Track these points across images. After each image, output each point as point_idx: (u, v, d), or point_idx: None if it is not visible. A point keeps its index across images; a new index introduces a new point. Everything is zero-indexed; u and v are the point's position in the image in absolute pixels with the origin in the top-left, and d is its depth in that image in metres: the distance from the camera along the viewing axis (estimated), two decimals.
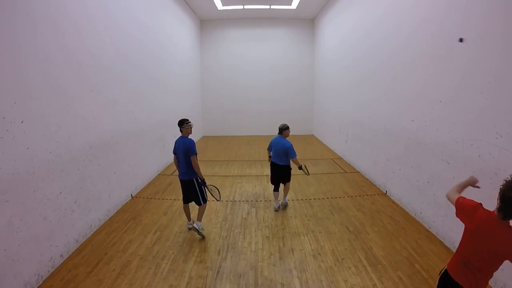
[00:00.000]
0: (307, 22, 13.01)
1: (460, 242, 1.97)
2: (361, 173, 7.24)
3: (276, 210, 5.07)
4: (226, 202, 5.50)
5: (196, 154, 4.07)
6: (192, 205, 4.39)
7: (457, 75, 3.72)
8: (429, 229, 4.35)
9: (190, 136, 4.23)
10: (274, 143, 5.02)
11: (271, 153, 5.13)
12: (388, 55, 5.74)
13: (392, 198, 5.57)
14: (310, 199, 5.63)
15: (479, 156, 3.33)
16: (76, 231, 3.93)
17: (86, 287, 3.15)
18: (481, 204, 1.90)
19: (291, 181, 5.21)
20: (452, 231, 3.81)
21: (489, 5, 3.21)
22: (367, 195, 5.78)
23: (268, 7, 11.22)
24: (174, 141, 4.25)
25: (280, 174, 5.06)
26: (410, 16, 4.89)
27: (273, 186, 5.23)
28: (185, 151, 4.06)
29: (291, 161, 4.97)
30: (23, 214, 3.04)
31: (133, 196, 5.80)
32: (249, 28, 12.99)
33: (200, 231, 4.10)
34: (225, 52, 13.15)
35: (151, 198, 5.72)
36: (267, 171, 7.49)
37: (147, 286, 3.17)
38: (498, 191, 1.75)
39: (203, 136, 12.89)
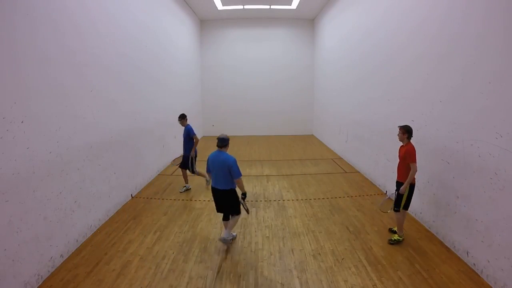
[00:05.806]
0: (307, 22, 13.01)
1: None
2: (361, 173, 7.24)
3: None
4: None
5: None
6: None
7: (457, 75, 3.72)
8: (429, 229, 4.35)
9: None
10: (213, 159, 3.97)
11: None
12: (388, 55, 5.74)
13: (392, 198, 5.55)
14: (310, 199, 5.63)
15: (479, 156, 3.33)
16: (76, 231, 3.93)
17: (86, 287, 3.15)
18: None
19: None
20: (452, 231, 3.81)
21: (489, 5, 3.22)
22: (367, 195, 5.78)
23: (268, 7, 11.22)
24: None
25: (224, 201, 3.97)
26: (410, 16, 4.88)
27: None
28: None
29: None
30: (23, 214, 3.04)
31: (133, 196, 5.80)
32: (249, 28, 12.99)
33: None
34: (225, 52, 13.14)
35: (151, 198, 5.72)
36: (267, 171, 7.52)
37: (147, 286, 3.17)
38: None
39: (203, 136, 12.88)
